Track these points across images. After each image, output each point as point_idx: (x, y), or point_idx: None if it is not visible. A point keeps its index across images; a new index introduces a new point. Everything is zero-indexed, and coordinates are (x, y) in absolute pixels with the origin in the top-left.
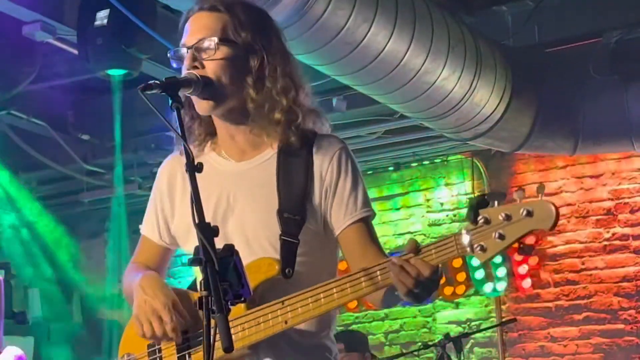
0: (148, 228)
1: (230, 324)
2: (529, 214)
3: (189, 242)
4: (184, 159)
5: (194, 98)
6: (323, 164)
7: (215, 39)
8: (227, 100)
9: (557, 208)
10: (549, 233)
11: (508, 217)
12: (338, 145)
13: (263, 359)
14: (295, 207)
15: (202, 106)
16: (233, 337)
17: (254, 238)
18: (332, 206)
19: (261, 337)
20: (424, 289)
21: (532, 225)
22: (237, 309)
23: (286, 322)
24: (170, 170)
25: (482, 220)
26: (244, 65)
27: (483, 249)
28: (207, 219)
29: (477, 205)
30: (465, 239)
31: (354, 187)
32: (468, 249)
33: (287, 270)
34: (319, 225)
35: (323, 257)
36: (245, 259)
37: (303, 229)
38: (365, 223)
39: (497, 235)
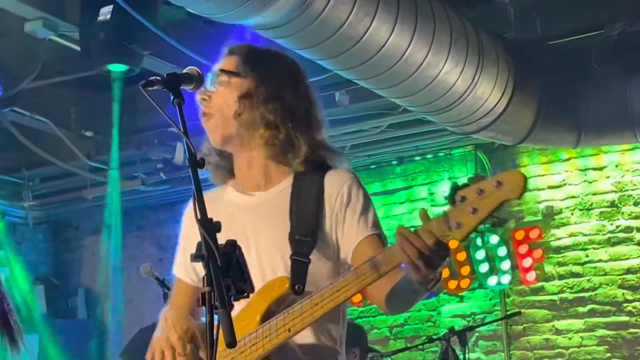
0: (178, 269)
1: (243, 341)
2: (499, 184)
3: None
4: (211, 199)
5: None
6: (332, 193)
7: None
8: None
9: (525, 177)
10: (552, 226)
11: (481, 192)
12: (347, 175)
13: None
14: (307, 230)
15: (212, 138)
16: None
17: (268, 266)
18: (342, 230)
19: (268, 349)
20: (429, 262)
21: (503, 196)
22: (249, 326)
23: (289, 330)
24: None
25: (459, 200)
26: (253, 99)
27: (459, 226)
28: None
29: (457, 187)
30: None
31: (364, 211)
32: (446, 229)
33: (297, 287)
34: (330, 250)
35: (333, 279)
36: (259, 285)
37: (314, 251)
38: (378, 239)
39: (471, 210)
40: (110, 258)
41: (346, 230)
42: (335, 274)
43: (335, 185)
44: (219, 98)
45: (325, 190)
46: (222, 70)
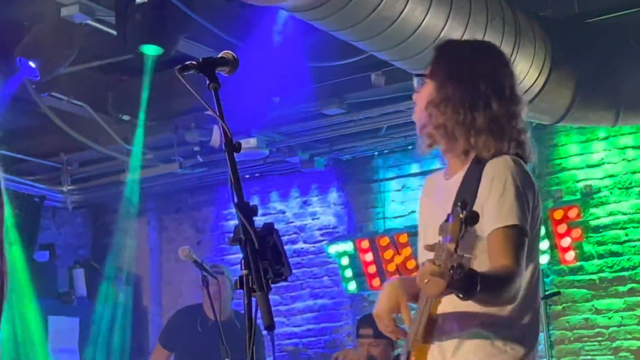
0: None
1: None
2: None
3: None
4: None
5: None
6: (485, 182)
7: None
8: (427, 127)
9: None
10: (591, 205)
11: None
12: (498, 166)
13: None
14: None
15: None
16: None
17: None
18: (482, 217)
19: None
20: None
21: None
22: None
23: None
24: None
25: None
26: (442, 96)
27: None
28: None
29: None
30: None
31: (498, 200)
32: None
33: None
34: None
35: (480, 258)
36: None
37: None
38: (502, 232)
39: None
40: (149, 241)
41: (482, 221)
42: (481, 256)
43: (487, 176)
44: (419, 98)
45: (481, 180)
46: (417, 75)
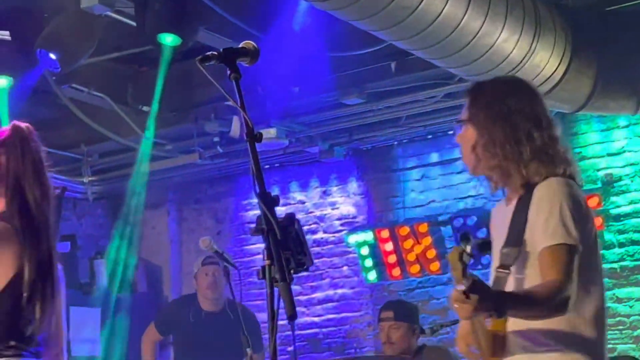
0: None
1: None
2: None
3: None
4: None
5: None
6: (534, 203)
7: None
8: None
9: None
10: (612, 194)
11: None
12: (546, 188)
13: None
14: (514, 241)
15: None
16: None
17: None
18: (533, 237)
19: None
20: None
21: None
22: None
23: None
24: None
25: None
26: (486, 139)
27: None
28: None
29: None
30: None
31: (546, 220)
32: None
33: None
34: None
35: (531, 278)
36: None
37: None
38: (549, 250)
39: None
40: (169, 232)
41: (533, 240)
42: (532, 276)
43: (534, 198)
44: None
45: (531, 200)
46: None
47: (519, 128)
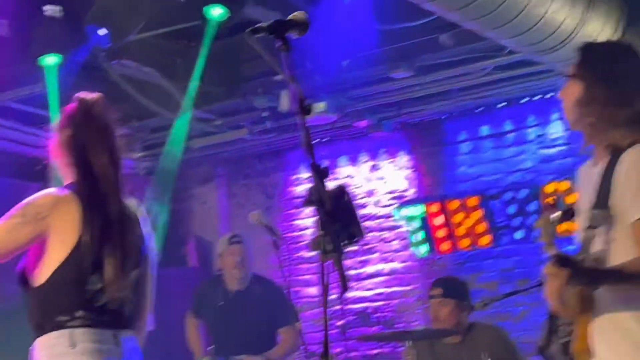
0: None
1: None
2: None
3: None
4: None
5: None
6: (620, 171)
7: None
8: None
9: None
10: None
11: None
12: (633, 156)
13: None
14: (603, 204)
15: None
16: None
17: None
18: (622, 204)
19: None
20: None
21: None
22: None
23: None
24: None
25: None
26: (589, 96)
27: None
28: None
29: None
30: None
31: (638, 189)
32: None
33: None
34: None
35: (618, 243)
36: None
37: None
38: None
39: None
40: (219, 207)
41: (623, 209)
42: (620, 240)
43: (622, 164)
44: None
45: (617, 167)
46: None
47: (621, 92)
